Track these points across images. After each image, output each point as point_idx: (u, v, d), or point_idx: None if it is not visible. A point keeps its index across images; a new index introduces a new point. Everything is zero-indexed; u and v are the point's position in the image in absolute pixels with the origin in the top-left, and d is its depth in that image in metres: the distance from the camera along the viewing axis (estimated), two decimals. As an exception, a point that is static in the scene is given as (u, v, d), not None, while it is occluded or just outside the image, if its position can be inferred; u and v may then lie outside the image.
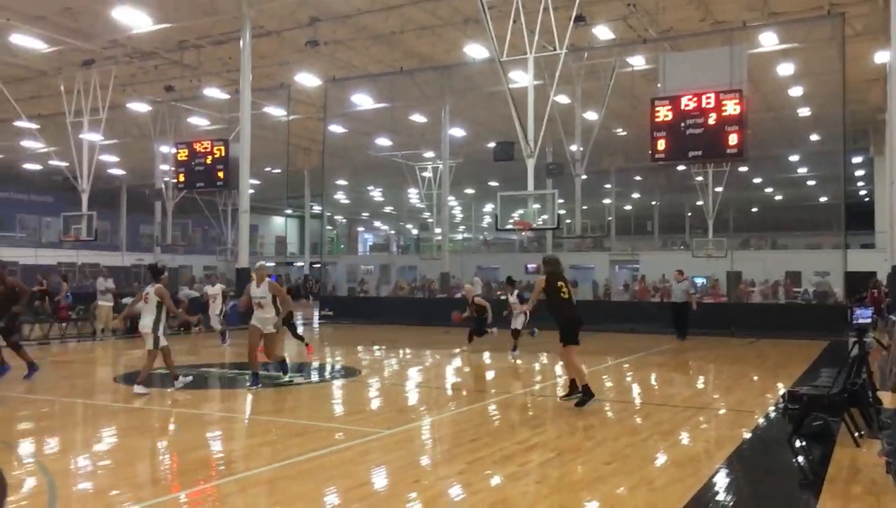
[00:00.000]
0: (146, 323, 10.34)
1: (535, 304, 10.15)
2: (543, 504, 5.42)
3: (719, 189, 28.99)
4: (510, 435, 7.60)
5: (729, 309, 25.04)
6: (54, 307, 20.86)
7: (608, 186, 45.23)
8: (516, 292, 16.99)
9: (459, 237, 59.67)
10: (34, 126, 28.98)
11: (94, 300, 19.99)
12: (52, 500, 5.46)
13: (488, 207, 57.73)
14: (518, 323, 15.88)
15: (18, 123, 29.41)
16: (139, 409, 9.40)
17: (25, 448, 7.31)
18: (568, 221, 35.87)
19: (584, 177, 28.44)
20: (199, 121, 31.74)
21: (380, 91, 29.51)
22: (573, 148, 27.93)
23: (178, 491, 5.88)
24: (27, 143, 35.23)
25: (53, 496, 5.57)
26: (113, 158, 39.59)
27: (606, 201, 46.92)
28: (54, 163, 30.44)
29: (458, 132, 33.90)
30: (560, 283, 9.14)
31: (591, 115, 28.04)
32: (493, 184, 39.99)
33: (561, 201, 34.49)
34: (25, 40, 22.79)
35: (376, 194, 56.36)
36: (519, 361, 14.90)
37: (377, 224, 66.53)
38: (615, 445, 7.30)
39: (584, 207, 30.25)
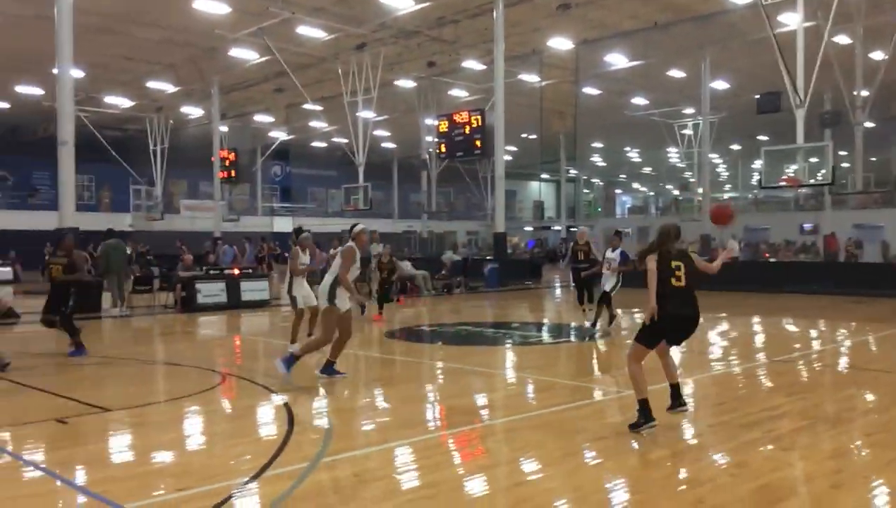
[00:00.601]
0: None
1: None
2: (786, 472, 5.22)
3: None
4: (761, 401, 7.31)
5: None
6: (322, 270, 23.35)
7: (902, 134, 39.83)
8: (619, 250, 12.63)
9: (725, 196, 56.31)
10: (318, 108, 32.34)
11: (369, 264, 22.05)
12: (327, 435, 6.36)
13: (757, 163, 53.68)
14: (608, 284, 12.60)
15: (306, 106, 32.97)
16: (404, 361, 10.40)
17: (312, 391, 8.47)
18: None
19: (868, 125, 25.42)
20: (458, 93, 33.30)
21: (634, 48, 28.68)
22: (854, 93, 25.04)
23: (433, 432, 6.53)
24: (314, 124, 39.48)
25: (330, 430, 6.48)
26: (385, 133, 42.93)
27: (900, 151, 41.36)
28: (336, 140, 33.80)
29: (720, 85, 31.99)
30: (676, 264, 6.28)
31: (878, 55, 24.87)
32: (764, 138, 37.17)
33: (843, 153, 31.12)
34: (308, 31, 25.49)
35: (634, 155, 54.99)
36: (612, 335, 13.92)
37: (635, 185, 64.93)
38: (883, 417, 6.73)
39: (873, 159, 27.08)
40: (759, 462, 5.37)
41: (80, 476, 5.37)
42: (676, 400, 6.41)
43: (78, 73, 26.14)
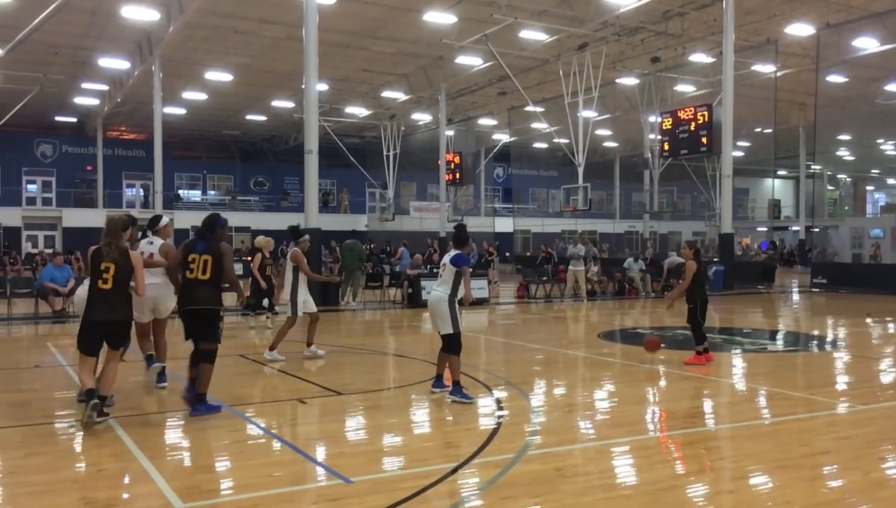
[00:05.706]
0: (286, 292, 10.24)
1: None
2: None
3: None
4: None
5: None
6: (554, 269, 23.56)
7: None
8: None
9: None
10: (539, 109, 32.71)
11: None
12: (534, 430, 6.60)
13: None
14: None
15: (528, 108, 33.54)
16: (618, 363, 10.38)
17: (524, 387, 8.76)
18: None
19: None
20: (684, 88, 32.09)
21: (888, 30, 25.86)
22: None
23: (640, 434, 6.52)
24: (535, 125, 39.97)
25: (537, 425, 6.72)
26: (606, 132, 42.41)
27: None
28: (557, 141, 34.01)
29: None
30: (106, 264, 6.56)
31: None
32: None
33: None
34: (531, 34, 25.94)
35: (888, 148, 49.43)
36: None
37: (891, 181, 58.30)
38: None
39: None
40: None
41: (316, 450, 6.07)
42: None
43: (322, 87, 28.71)
